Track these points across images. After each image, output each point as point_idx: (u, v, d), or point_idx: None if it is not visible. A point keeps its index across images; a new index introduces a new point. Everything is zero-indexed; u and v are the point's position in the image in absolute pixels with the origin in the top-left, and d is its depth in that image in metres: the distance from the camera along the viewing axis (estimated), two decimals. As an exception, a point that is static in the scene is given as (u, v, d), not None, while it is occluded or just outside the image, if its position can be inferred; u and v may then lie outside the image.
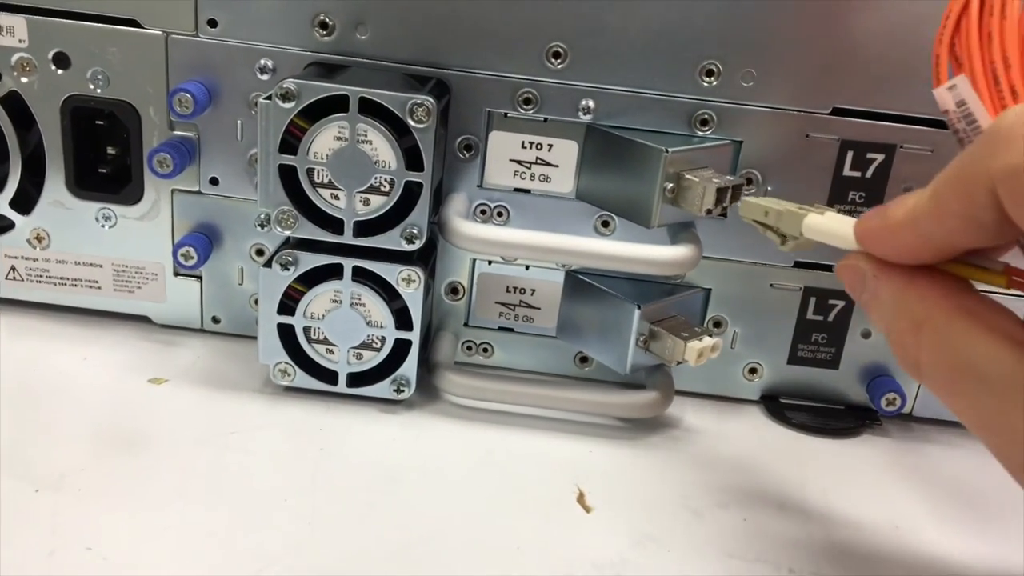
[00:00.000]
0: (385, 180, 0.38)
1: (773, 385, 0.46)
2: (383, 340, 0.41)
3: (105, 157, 0.45)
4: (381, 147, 0.38)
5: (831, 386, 0.46)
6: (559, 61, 0.41)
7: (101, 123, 0.44)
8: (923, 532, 0.38)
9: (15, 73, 0.42)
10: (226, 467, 0.37)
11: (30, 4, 0.41)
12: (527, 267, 0.45)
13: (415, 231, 0.39)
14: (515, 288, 0.45)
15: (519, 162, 0.43)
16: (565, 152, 0.43)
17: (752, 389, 0.46)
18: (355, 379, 0.42)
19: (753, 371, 0.46)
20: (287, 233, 0.39)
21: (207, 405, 0.41)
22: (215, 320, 0.47)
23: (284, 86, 0.37)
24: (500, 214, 0.44)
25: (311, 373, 0.42)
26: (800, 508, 0.39)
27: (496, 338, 0.46)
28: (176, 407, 0.41)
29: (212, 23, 0.41)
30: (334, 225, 0.39)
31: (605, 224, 0.44)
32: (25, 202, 0.45)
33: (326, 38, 0.41)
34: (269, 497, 0.36)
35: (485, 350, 0.47)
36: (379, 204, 0.39)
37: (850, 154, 0.42)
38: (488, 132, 0.42)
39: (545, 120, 0.42)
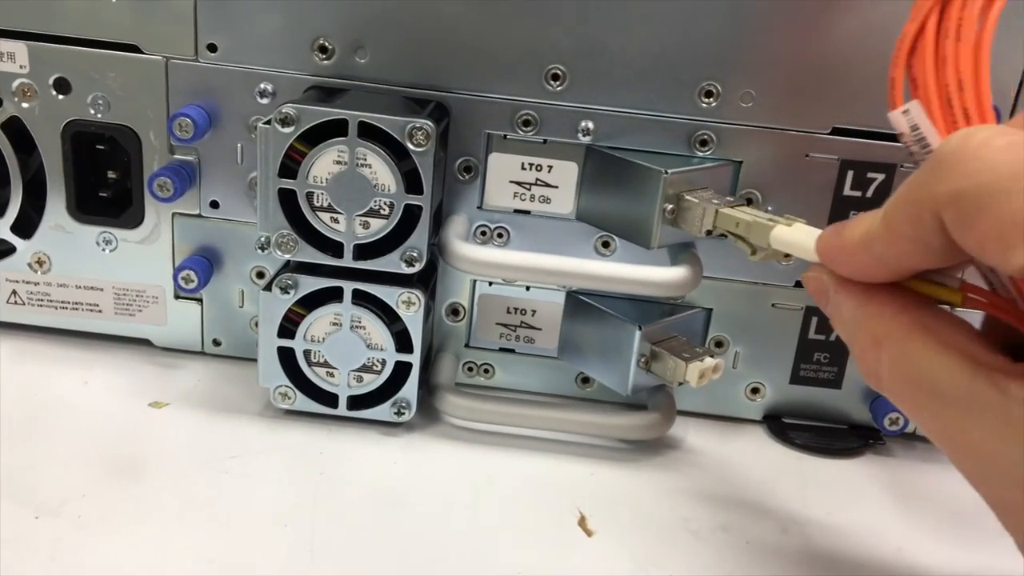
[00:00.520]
0: (385, 203, 0.38)
1: (775, 405, 0.46)
2: (383, 363, 0.41)
3: (106, 181, 0.45)
4: (380, 170, 0.38)
5: (834, 406, 0.46)
6: (558, 83, 0.41)
7: (102, 147, 0.44)
8: (927, 554, 0.38)
9: (16, 98, 0.43)
10: (226, 492, 0.37)
11: (31, 30, 0.42)
12: (528, 288, 0.45)
13: (415, 254, 0.39)
14: (516, 309, 0.45)
15: (519, 183, 0.43)
16: (565, 173, 0.43)
17: (754, 409, 0.46)
18: (355, 402, 0.42)
19: (755, 391, 0.46)
20: (287, 257, 0.39)
21: (208, 429, 0.41)
22: (216, 343, 0.47)
23: (283, 111, 0.37)
24: (500, 235, 0.44)
25: (311, 396, 0.42)
26: (803, 530, 0.39)
27: (497, 359, 0.46)
28: (177, 432, 0.41)
29: (212, 48, 0.42)
30: (334, 248, 0.39)
31: (606, 244, 0.44)
32: (26, 226, 0.45)
33: (325, 62, 0.41)
34: (270, 522, 0.36)
35: (486, 371, 0.47)
36: (379, 227, 0.39)
37: (850, 174, 0.42)
38: (488, 154, 0.43)
39: (544, 142, 0.42)
